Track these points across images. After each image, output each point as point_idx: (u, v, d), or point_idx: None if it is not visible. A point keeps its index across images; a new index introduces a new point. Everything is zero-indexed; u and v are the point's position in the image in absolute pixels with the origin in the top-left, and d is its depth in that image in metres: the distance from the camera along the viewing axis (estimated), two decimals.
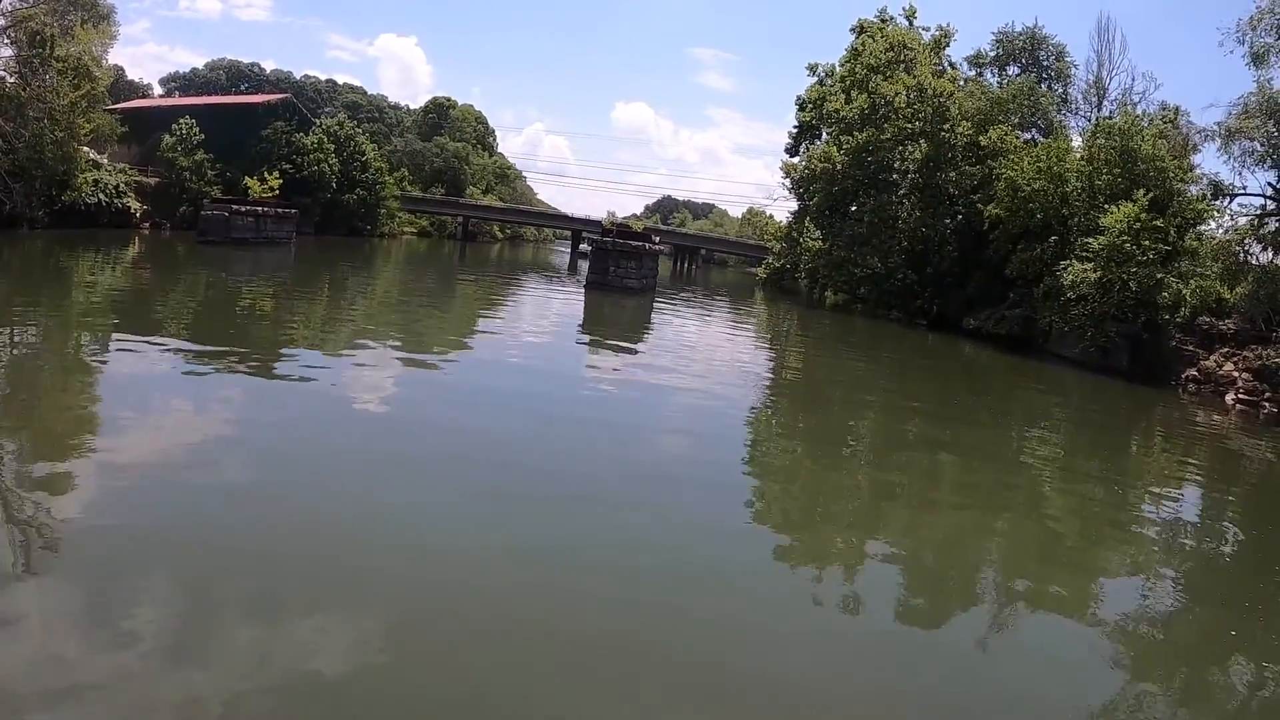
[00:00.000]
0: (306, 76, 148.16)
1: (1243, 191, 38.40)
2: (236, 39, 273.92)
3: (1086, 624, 10.25)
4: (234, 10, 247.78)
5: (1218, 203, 41.33)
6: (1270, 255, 37.73)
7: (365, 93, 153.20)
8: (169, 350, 19.09)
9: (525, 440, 14.81)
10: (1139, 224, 36.89)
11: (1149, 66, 72.61)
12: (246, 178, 62.38)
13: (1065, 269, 38.99)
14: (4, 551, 8.01)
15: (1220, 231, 40.03)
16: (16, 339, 19.30)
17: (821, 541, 12.20)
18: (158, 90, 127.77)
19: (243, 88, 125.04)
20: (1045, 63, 61.84)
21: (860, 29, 64.67)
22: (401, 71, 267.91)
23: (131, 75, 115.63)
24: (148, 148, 63.67)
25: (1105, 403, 32.09)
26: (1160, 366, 36.48)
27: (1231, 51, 35.54)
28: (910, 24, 63.50)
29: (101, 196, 50.65)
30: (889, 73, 57.22)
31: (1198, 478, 20.64)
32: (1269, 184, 37.46)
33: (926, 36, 62.01)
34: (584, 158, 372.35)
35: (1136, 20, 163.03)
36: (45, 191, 45.68)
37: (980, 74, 64.53)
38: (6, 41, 43.91)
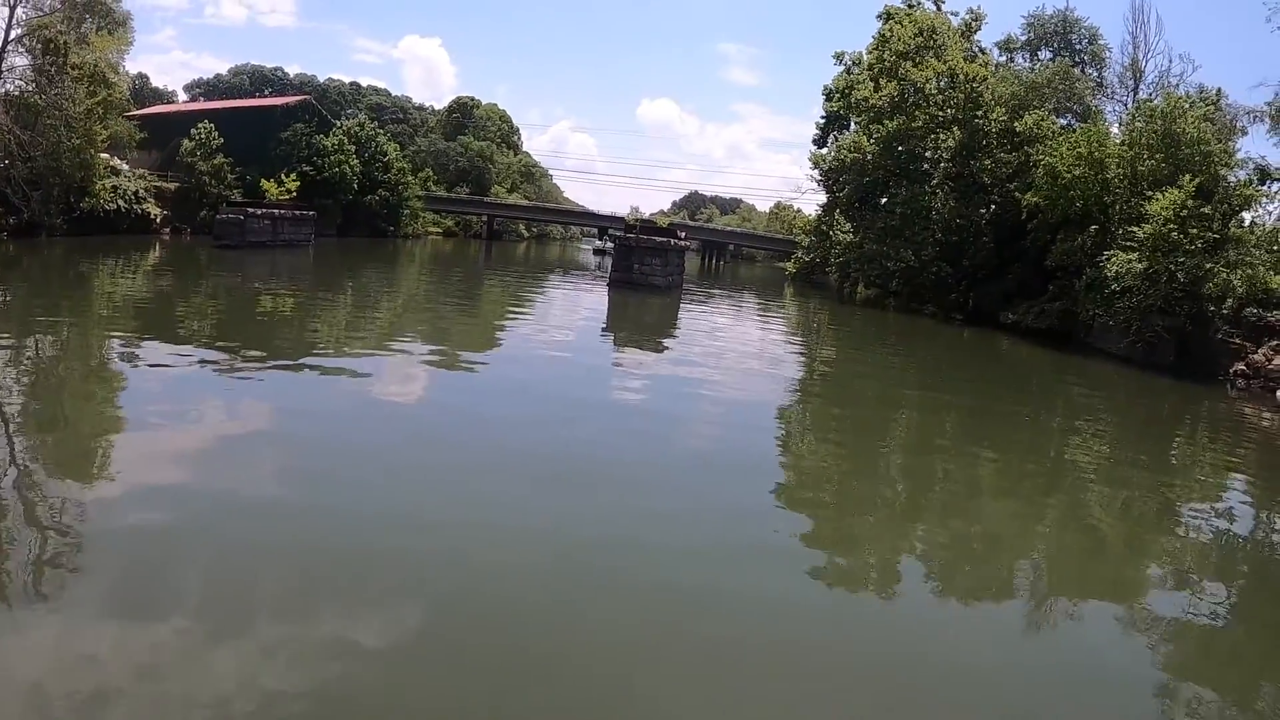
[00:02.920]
0: (331, 80, 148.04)
1: None
2: (262, 44, 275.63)
3: (1128, 636, 9.86)
4: (259, 16, 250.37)
5: (1265, 187, 39.81)
6: None
7: (390, 94, 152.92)
8: (183, 357, 18.60)
9: (549, 457, 13.86)
10: (1185, 211, 35.28)
11: (1185, 48, 70.65)
12: (263, 180, 62.01)
13: (1109, 259, 37.38)
14: (32, 552, 8.26)
15: (1269, 218, 38.50)
16: (39, 347, 19.21)
17: (856, 547, 11.89)
18: (182, 96, 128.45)
19: (266, 92, 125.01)
20: (1078, 46, 60.18)
21: (888, 15, 63.07)
22: (426, 72, 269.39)
23: (158, 83, 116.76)
24: (168, 153, 63.48)
25: (1150, 400, 30.57)
26: (1207, 361, 34.72)
27: None
28: (938, 8, 62.05)
29: (121, 203, 50.23)
30: (918, 59, 55.67)
31: (1246, 481, 19.13)
32: None
33: (955, 21, 60.58)
34: (610, 155, 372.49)
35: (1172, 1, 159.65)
36: (64, 199, 45.40)
37: (1011, 59, 62.89)
38: (22, 50, 43.55)
